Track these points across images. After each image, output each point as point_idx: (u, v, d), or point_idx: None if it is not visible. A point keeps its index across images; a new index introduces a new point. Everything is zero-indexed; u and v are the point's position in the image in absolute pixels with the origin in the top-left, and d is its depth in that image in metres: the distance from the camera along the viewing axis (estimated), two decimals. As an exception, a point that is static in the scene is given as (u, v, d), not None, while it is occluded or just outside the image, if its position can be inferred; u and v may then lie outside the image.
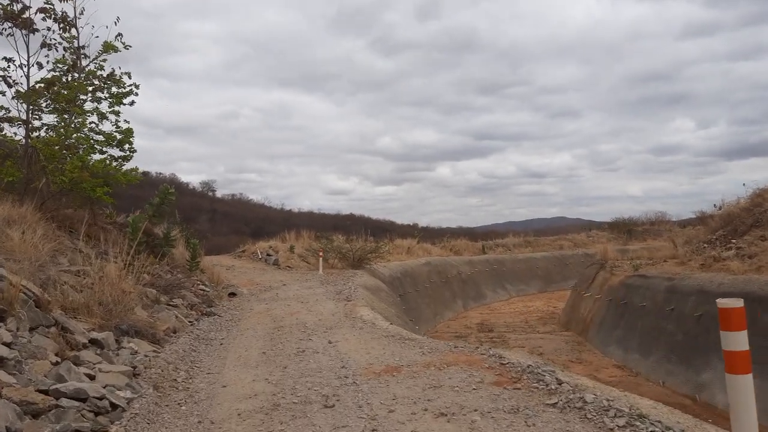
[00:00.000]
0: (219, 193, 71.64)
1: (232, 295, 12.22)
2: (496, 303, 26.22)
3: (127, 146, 11.02)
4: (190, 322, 8.47)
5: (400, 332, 6.92)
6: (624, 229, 35.72)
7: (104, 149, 10.78)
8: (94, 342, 5.83)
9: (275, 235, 24.12)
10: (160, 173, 64.66)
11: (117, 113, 11.25)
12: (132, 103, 11.44)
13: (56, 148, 8.51)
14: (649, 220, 37.24)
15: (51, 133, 9.21)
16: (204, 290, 11.47)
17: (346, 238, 22.51)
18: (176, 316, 8.11)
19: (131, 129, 11.07)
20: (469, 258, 27.95)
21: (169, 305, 9.03)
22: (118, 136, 11.01)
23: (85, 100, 10.47)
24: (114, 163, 10.16)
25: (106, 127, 11.17)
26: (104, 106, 11.22)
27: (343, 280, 13.82)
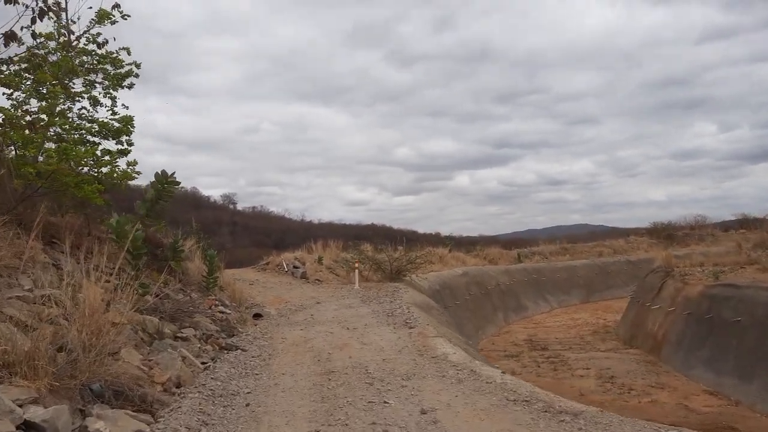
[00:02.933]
0: (240, 206, 69.16)
1: (258, 316, 9.64)
2: (538, 315, 23.35)
3: (125, 138, 8.54)
4: (203, 363, 5.86)
5: (534, 393, 4.20)
6: (663, 233, 32.67)
7: (96, 140, 8.33)
8: (29, 427, 3.26)
9: (297, 246, 21.62)
10: (182, 187, 62.49)
11: (114, 98, 8.81)
12: (131, 86, 8.99)
13: (19, 124, 6.00)
14: (688, 224, 34.19)
15: (18, 112, 6.72)
16: (223, 312, 8.88)
17: (375, 248, 19.93)
18: (183, 358, 5.51)
19: (131, 117, 8.59)
20: (506, 267, 25.11)
21: (177, 338, 6.44)
22: (116, 125, 8.54)
23: (70, 78, 8.01)
24: (106, 157, 7.66)
25: (101, 114, 8.76)
26: (99, 91, 8.83)
27: (387, 297, 11.15)
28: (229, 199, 67.08)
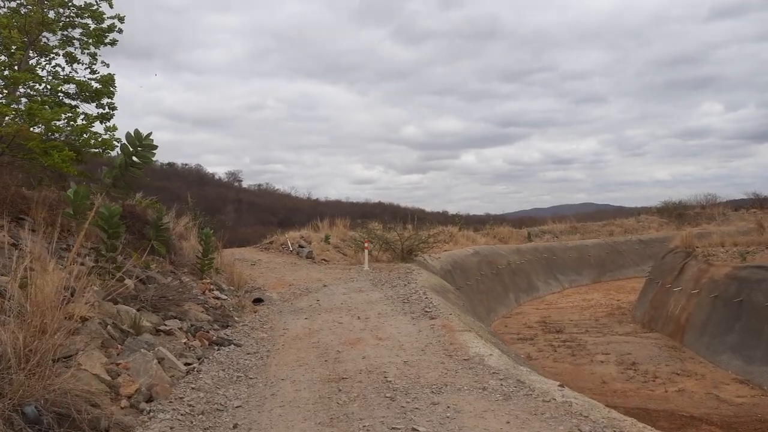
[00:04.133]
0: (245, 184, 67.77)
1: (258, 301, 8.56)
2: (550, 296, 22.28)
3: (106, 101, 7.37)
4: (186, 365, 4.76)
5: (612, 420, 3.06)
6: (674, 213, 31.38)
7: (74, 103, 7.16)
8: None
9: (303, 225, 20.50)
10: (186, 164, 61.42)
11: (94, 55, 7.62)
12: (114, 42, 7.78)
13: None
14: (699, 203, 32.86)
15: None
16: (219, 298, 7.79)
17: (384, 227, 18.78)
18: (160, 360, 4.40)
19: (112, 76, 7.41)
20: (517, 246, 23.95)
21: (159, 332, 5.35)
22: (95, 86, 7.36)
23: (41, 31, 6.80)
24: (81, 121, 6.49)
25: (80, 74, 7.57)
26: (76, 47, 7.62)
27: (400, 279, 10.04)
28: (234, 176, 65.90)
